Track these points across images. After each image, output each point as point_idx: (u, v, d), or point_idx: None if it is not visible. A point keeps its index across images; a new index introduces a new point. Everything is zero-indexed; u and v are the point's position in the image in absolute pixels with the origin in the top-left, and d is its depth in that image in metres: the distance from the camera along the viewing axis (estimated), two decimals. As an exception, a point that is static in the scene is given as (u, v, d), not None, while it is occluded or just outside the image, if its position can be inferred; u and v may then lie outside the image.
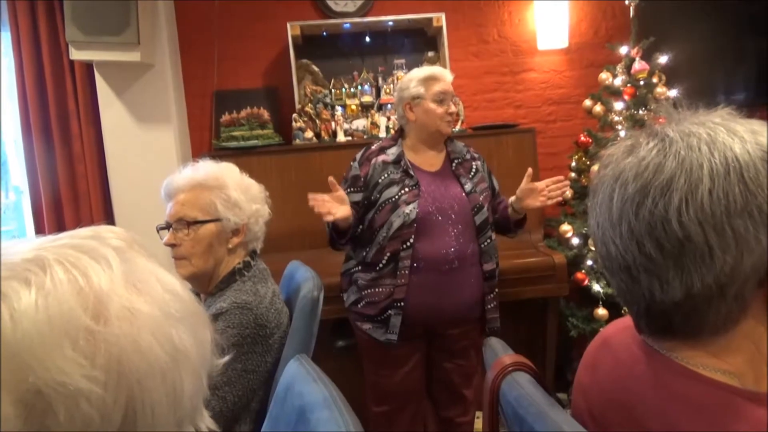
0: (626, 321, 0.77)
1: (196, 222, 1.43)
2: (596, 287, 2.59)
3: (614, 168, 0.66)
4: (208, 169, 1.49)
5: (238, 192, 1.47)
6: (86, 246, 0.48)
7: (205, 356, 0.52)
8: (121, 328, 0.44)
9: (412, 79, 2.05)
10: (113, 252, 0.49)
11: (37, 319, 0.41)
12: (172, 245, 1.44)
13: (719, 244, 0.59)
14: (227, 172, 1.50)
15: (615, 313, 2.53)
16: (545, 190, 1.99)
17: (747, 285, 0.60)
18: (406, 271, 1.93)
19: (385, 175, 1.99)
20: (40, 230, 2.87)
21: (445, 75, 2.05)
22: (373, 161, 2.03)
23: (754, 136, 0.62)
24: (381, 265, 1.96)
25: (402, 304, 1.95)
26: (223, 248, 1.46)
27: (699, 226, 0.59)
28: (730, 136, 0.61)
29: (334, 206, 1.82)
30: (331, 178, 1.85)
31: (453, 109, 2.03)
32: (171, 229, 1.44)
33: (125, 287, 0.47)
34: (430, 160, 2.07)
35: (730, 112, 0.66)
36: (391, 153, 2.04)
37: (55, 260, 0.45)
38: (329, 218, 1.80)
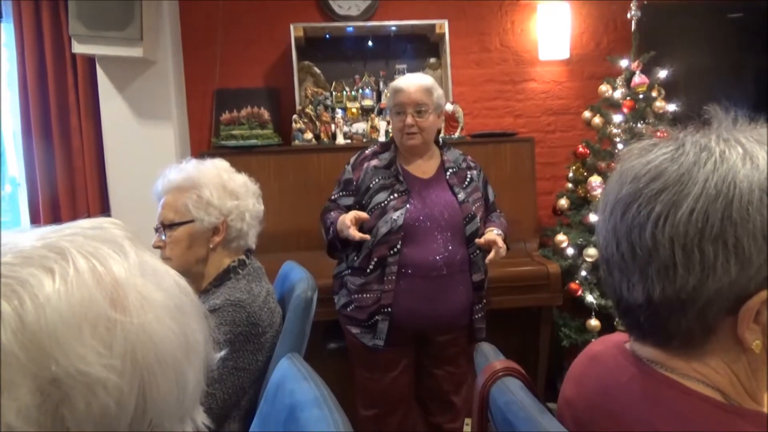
0: (613, 337, 0.77)
1: (173, 224, 1.44)
2: (589, 298, 2.60)
3: (623, 164, 0.67)
4: (187, 169, 1.49)
5: (212, 190, 1.46)
6: (101, 236, 0.48)
7: (208, 353, 0.52)
8: (138, 317, 0.44)
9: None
10: (129, 242, 0.49)
11: (60, 307, 0.41)
12: (158, 247, 1.46)
13: (684, 263, 0.59)
14: (206, 171, 1.49)
15: (607, 325, 2.54)
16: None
17: (711, 307, 0.60)
18: (393, 277, 1.93)
19: (376, 180, 1.99)
20: (35, 223, 2.86)
21: (407, 85, 1.98)
22: (366, 165, 2.03)
23: None
24: (368, 270, 1.96)
25: (389, 309, 1.94)
26: (204, 248, 1.47)
27: (669, 242, 0.60)
28: (745, 159, 0.59)
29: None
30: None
31: (409, 121, 1.95)
32: (157, 231, 1.47)
33: (142, 277, 0.47)
34: (422, 167, 2.06)
35: None
36: (384, 158, 2.04)
37: (74, 249, 0.45)
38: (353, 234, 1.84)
